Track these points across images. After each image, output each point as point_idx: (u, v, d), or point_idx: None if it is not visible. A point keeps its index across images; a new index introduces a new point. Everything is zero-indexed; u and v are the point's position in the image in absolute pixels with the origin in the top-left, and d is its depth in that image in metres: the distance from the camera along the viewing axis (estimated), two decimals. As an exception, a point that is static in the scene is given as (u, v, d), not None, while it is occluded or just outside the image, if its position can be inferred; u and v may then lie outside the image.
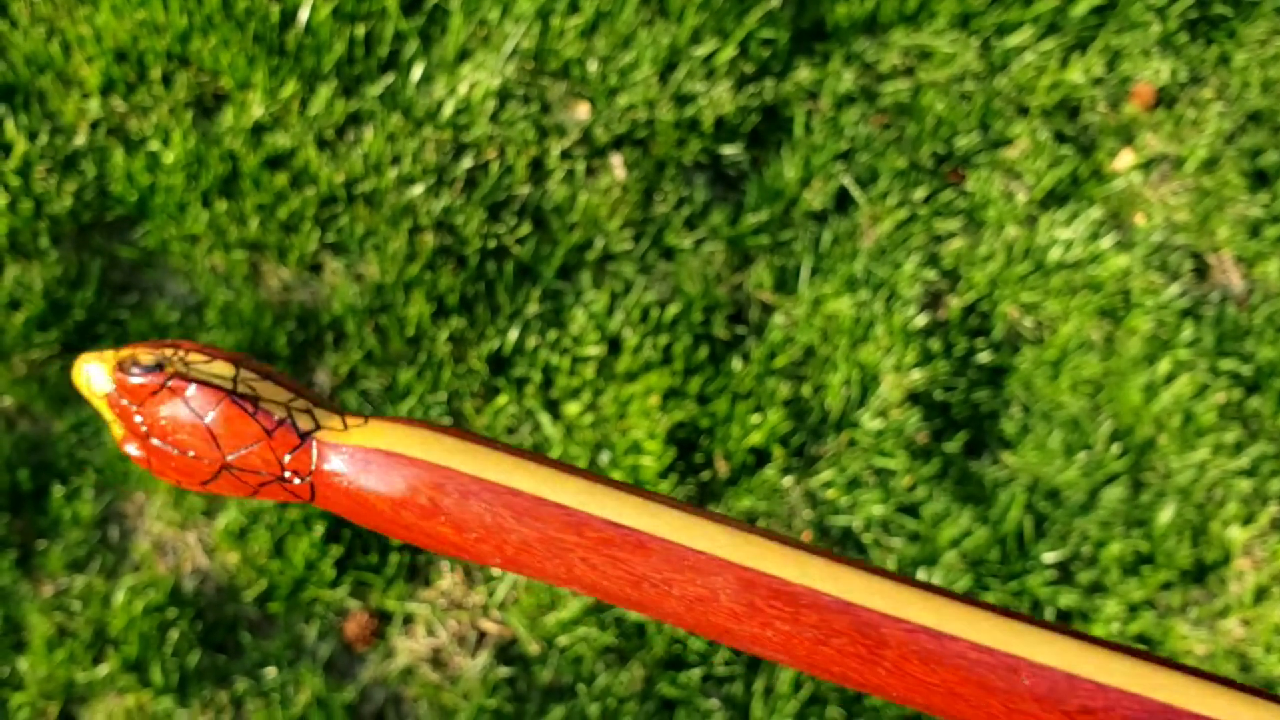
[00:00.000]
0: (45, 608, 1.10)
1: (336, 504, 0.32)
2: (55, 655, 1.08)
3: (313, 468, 0.32)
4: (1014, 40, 1.47)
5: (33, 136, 1.24)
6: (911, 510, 1.24)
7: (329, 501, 0.32)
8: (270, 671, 1.11)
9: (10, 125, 1.23)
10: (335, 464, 0.32)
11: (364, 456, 0.32)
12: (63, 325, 1.18)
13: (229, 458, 0.32)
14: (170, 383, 0.32)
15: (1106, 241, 1.38)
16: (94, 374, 0.33)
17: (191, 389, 0.32)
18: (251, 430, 0.32)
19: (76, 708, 1.09)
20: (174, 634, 1.10)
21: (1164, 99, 1.50)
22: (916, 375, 1.27)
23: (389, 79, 1.31)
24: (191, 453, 0.32)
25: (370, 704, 1.12)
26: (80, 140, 1.25)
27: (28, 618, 1.10)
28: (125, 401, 0.32)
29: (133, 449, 0.33)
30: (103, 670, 1.08)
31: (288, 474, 0.32)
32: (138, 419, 0.32)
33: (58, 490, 1.14)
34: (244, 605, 1.14)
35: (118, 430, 0.33)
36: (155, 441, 0.33)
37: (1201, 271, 1.43)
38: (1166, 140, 1.47)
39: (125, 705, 1.08)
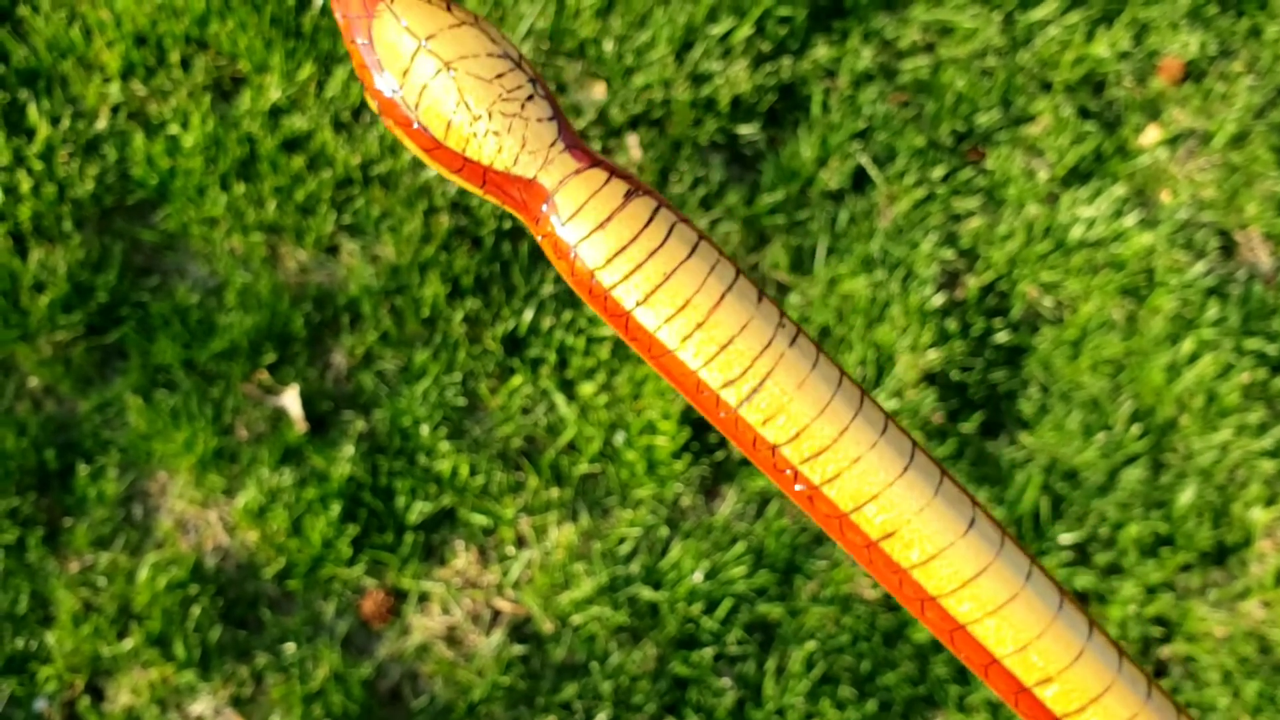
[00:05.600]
0: (71, 583, 1.13)
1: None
2: (81, 630, 1.11)
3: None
4: (1038, 14, 1.44)
5: (55, 121, 1.26)
6: (927, 491, 1.24)
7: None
8: (289, 647, 1.13)
9: (33, 110, 1.25)
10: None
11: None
12: (86, 307, 1.20)
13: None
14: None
15: (1130, 219, 1.36)
16: None
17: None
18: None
19: (102, 680, 1.12)
20: (196, 610, 1.12)
21: (1192, 73, 1.47)
22: (932, 355, 1.27)
23: (405, 60, 1.32)
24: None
25: (386, 680, 1.13)
26: (101, 124, 1.27)
27: (55, 593, 1.13)
28: None
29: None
30: (127, 644, 1.11)
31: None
32: None
33: (83, 469, 1.16)
34: (264, 582, 1.16)
35: None
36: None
37: (1228, 249, 1.40)
38: (1194, 115, 1.45)
39: (149, 679, 1.11)
